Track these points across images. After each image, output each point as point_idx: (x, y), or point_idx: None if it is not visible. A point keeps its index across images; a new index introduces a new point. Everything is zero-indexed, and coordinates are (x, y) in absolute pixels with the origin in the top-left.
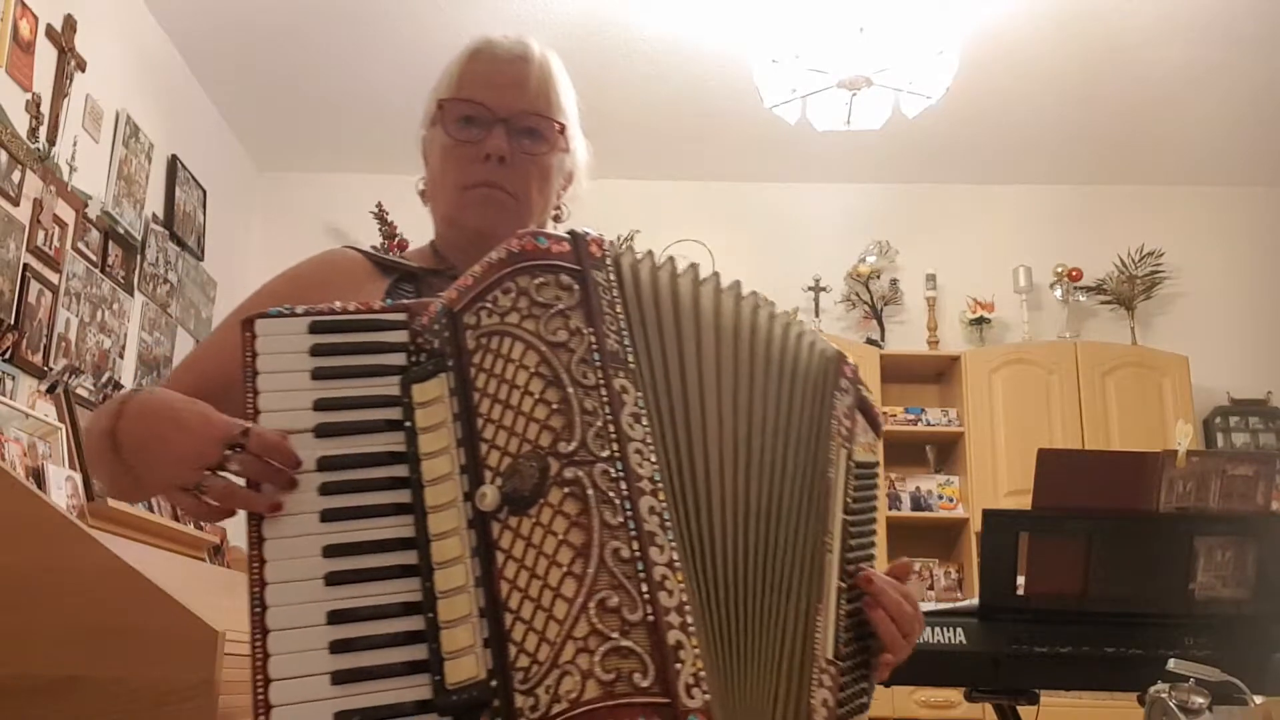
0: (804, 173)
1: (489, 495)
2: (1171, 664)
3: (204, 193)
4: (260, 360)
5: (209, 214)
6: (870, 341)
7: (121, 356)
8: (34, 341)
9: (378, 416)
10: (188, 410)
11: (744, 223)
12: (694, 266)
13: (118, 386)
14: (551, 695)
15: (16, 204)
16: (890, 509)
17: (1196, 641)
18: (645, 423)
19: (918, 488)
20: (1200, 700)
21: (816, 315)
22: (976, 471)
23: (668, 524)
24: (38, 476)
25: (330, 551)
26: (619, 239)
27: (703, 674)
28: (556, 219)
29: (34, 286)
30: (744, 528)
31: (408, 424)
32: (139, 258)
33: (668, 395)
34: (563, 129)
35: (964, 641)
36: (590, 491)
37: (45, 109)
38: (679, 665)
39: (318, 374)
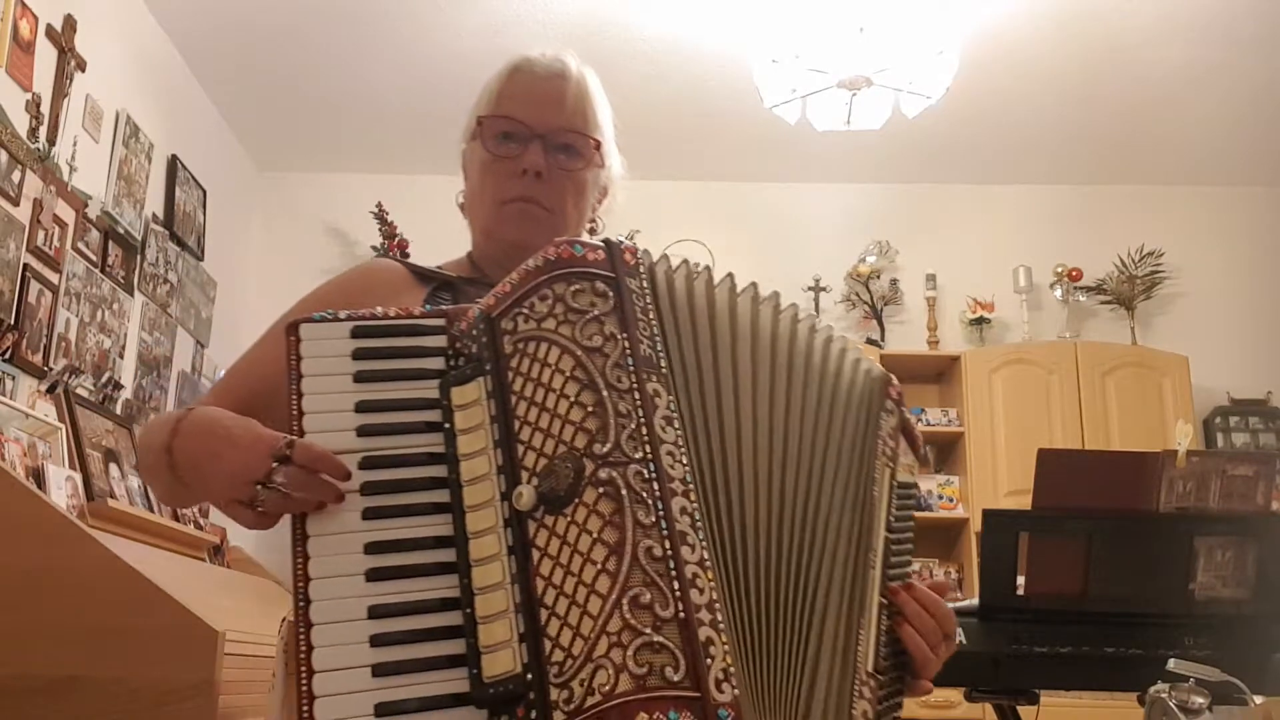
0: (804, 173)
1: (525, 495)
2: (1171, 664)
3: (204, 193)
4: (305, 364)
5: (209, 214)
6: (870, 341)
7: (121, 356)
8: (34, 341)
9: (418, 418)
10: (238, 427)
11: (744, 223)
12: (730, 276)
13: (118, 386)
14: (585, 688)
15: (16, 204)
16: None
17: (1196, 641)
18: (677, 426)
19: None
20: (1200, 700)
21: (816, 315)
22: (976, 471)
23: (698, 524)
24: (38, 476)
25: (371, 549)
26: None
27: (732, 670)
28: (592, 231)
29: (34, 286)
30: (776, 531)
31: (447, 426)
32: (139, 258)
33: (700, 400)
34: (598, 145)
35: (964, 641)
36: (624, 491)
37: (45, 109)
38: (709, 660)
39: (360, 377)
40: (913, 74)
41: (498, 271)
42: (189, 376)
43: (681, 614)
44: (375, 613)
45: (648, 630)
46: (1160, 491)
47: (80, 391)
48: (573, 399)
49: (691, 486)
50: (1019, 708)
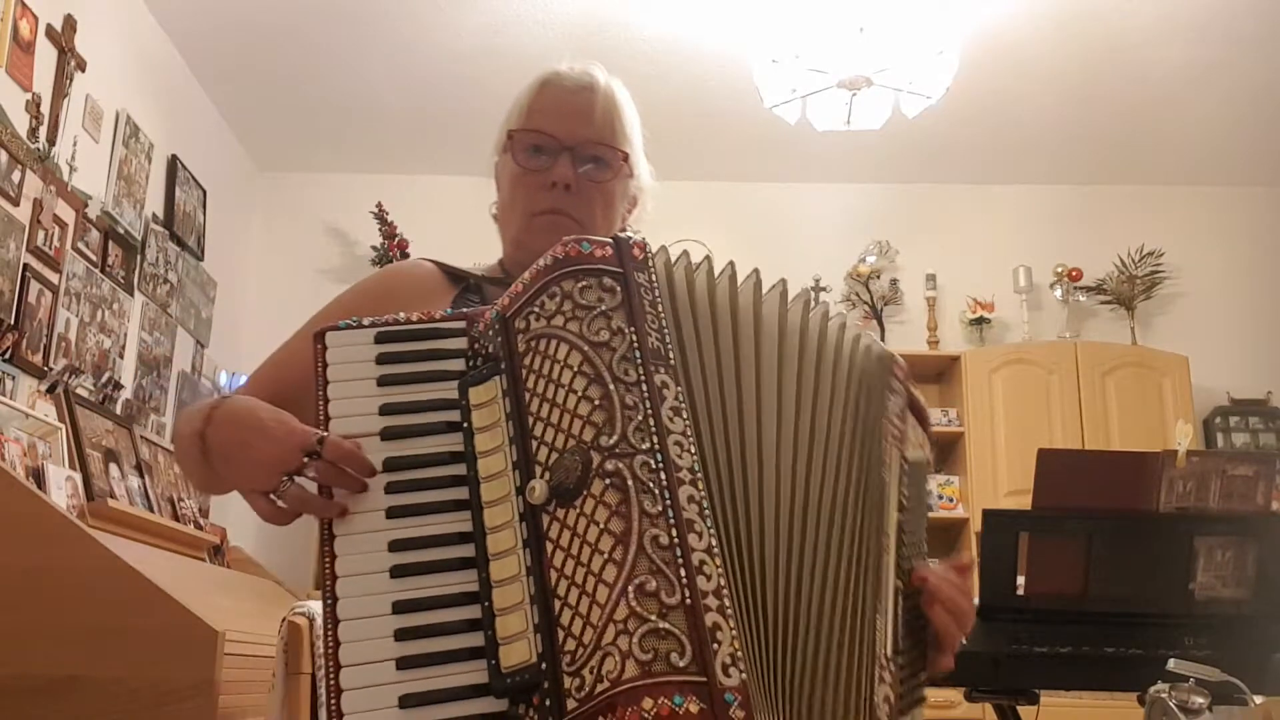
0: (804, 173)
1: (538, 489)
2: (1171, 664)
3: (204, 193)
4: (330, 370)
5: (209, 214)
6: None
7: (121, 356)
8: (34, 341)
9: (439, 419)
10: (272, 419)
11: (744, 223)
12: (730, 265)
13: (118, 386)
14: (595, 675)
15: (16, 204)
16: None
17: (1196, 641)
18: (685, 416)
19: None
20: (1200, 700)
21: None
22: (976, 471)
23: (706, 512)
24: (38, 476)
25: (395, 546)
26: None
27: (739, 655)
28: None
29: (34, 286)
30: (786, 518)
31: (465, 425)
32: (139, 258)
33: (704, 390)
34: (626, 157)
35: (964, 641)
36: (630, 482)
37: (45, 109)
38: (716, 646)
39: (383, 381)
40: (913, 74)
41: None
42: (189, 376)
43: (688, 600)
44: (399, 608)
45: (653, 617)
46: (1160, 491)
47: (80, 391)
48: (580, 393)
49: (699, 476)
50: (1019, 708)
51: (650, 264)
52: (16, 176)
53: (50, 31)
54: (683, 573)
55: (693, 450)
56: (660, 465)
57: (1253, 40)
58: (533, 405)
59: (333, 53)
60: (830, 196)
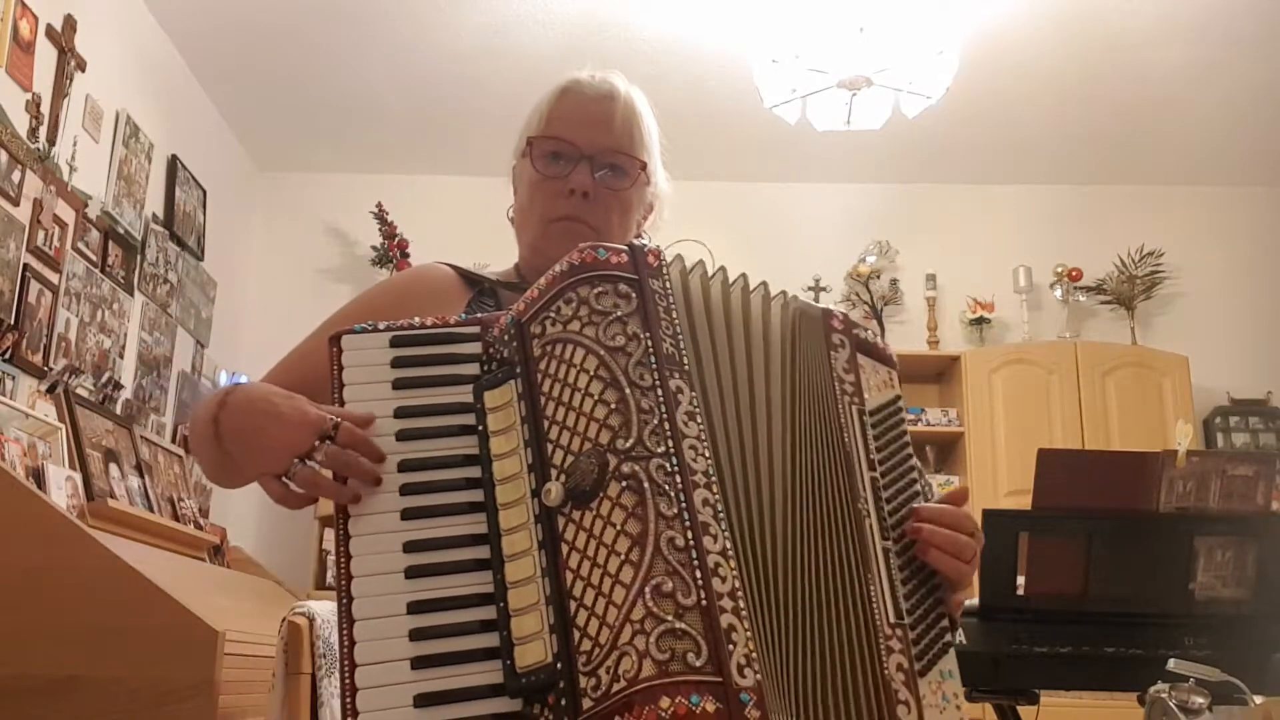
0: (804, 173)
1: (554, 491)
2: (1171, 664)
3: (204, 193)
4: (346, 373)
5: (209, 214)
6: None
7: (121, 356)
8: (34, 341)
9: (453, 422)
10: (286, 403)
11: (744, 223)
12: (743, 276)
13: (118, 386)
14: (611, 675)
15: (16, 204)
16: None
17: (1196, 641)
18: (699, 421)
19: None
20: (1200, 700)
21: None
22: (976, 471)
23: (721, 515)
24: (38, 476)
25: (410, 547)
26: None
27: (754, 655)
28: None
29: (34, 286)
30: (792, 514)
31: (480, 428)
32: (139, 258)
33: (718, 395)
34: (644, 166)
35: (964, 641)
36: (646, 485)
37: (45, 109)
38: (731, 646)
39: (398, 384)
40: (913, 74)
41: None
42: (189, 376)
43: (704, 602)
44: (414, 608)
45: (670, 618)
46: (1160, 491)
47: (80, 391)
48: (597, 397)
49: (714, 479)
50: (1019, 708)
51: (665, 271)
52: (16, 176)
53: (50, 31)
54: (698, 574)
55: (707, 454)
56: (675, 468)
57: (1253, 40)
58: (548, 409)
59: (333, 53)
60: (830, 196)
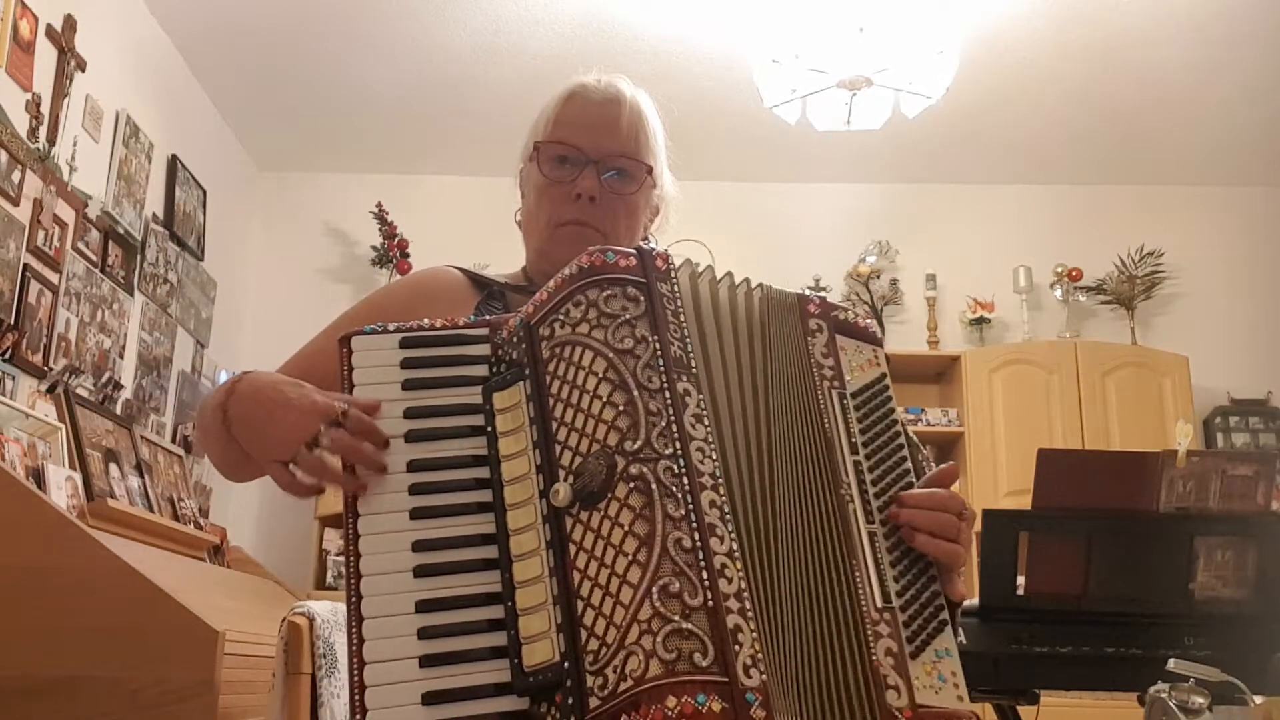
0: (804, 173)
1: (562, 492)
2: (1171, 664)
3: (204, 193)
4: (356, 373)
5: (209, 214)
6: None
7: (121, 356)
8: (34, 341)
9: (462, 423)
10: (294, 390)
11: (744, 223)
12: (746, 281)
13: (118, 386)
14: (618, 674)
15: (16, 204)
16: None
17: (1196, 641)
18: (707, 423)
19: None
20: (1200, 700)
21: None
22: (976, 471)
23: (727, 516)
24: (38, 476)
25: (419, 546)
26: None
27: (760, 656)
28: None
29: (34, 286)
30: (793, 512)
31: (489, 429)
32: (139, 258)
33: (725, 397)
34: (650, 169)
35: (964, 641)
36: (654, 486)
37: (45, 109)
38: (738, 647)
39: (408, 385)
40: (913, 74)
41: None
42: (189, 376)
43: (710, 602)
44: (423, 607)
45: (677, 618)
46: (1160, 491)
47: (80, 391)
48: (605, 399)
49: (721, 480)
50: (1019, 708)
51: (673, 275)
52: (16, 176)
53: (50, 31)
54: (705, 575)
55: (714, 456)
56: (683, 470)
57: (1253, 40)
58: (557, 410)
59: (333, 53)
60: (830, 196)
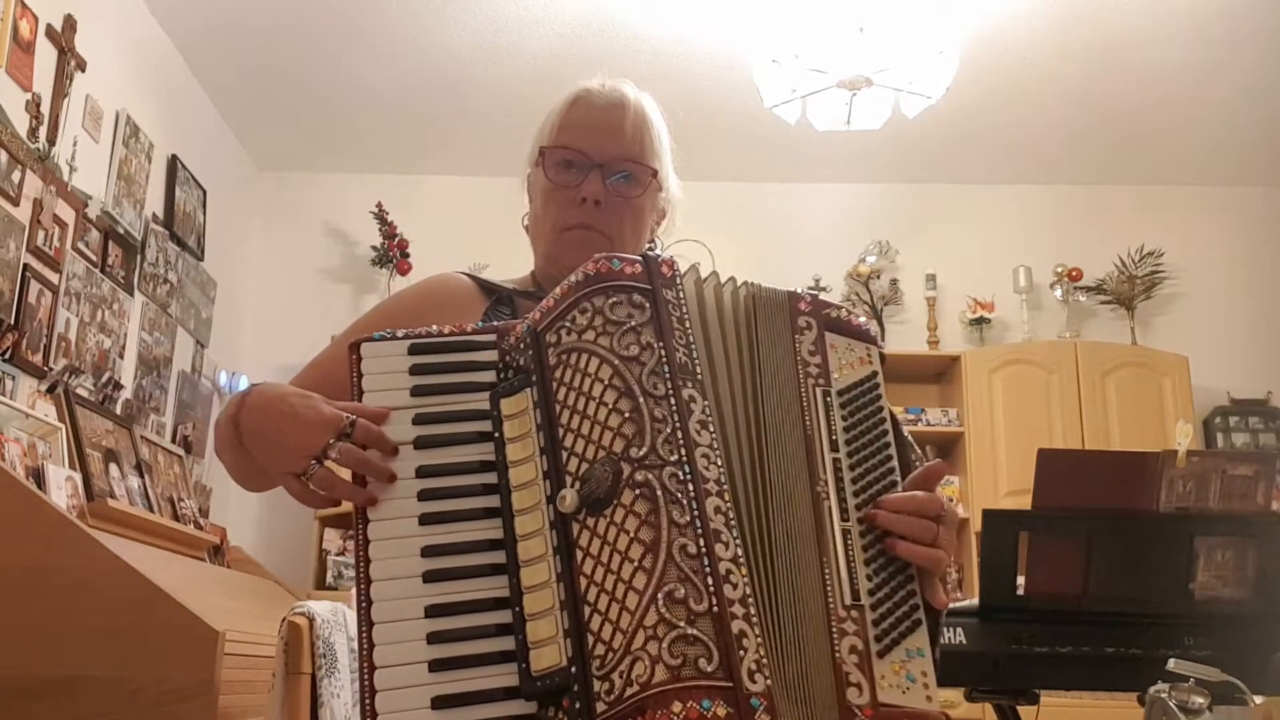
0: (804, 173)
1: (569, 498)
2: (1171, 664)
3: (204, 193)
4: (366, 380)
5: (209, 214)
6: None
7: (121, 356)
8: (34, 341)
9: (470, 429)
10: (302, 402)
11: (744, 223)
12: (733, 279)
13: (118, 386)
14: (624, 680)
15: (16, 204)
16: None
17: (1196, 641)
18: (712, 430)
19: None
20: (1200, 700)
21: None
22: (976, 471)
23: (732, 523)
24: (38, 476)
25: (428, 552)
26: None
27: (764, 661)
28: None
29: (34, 286)
30: (783, 513)
31: (497, 435)
32: (139, 258)
33: (730, 404)
34: (655, 173)
35: (964, 641)
36: (659, 492)
37: (45, 109)
38: (742, 652)
39: (417, 391)
40: (913, 74)
41: None
42: (189, 376)
43: (715, 608)
44: (432, 612)
45: (682, 623)
46: (1160, 491)
47: (80, 391)
48: (611, 406)
49: (726, 487)
50: (1019, 708)
51: (679, 282)
52: (16, 176)
53: (50, 31)
54: (710, 581)
55: (719, 462)
56: (688, 477)
57: (1253, 40)
58: (563, 416)
59: (332, 53)
60: (830, 196)
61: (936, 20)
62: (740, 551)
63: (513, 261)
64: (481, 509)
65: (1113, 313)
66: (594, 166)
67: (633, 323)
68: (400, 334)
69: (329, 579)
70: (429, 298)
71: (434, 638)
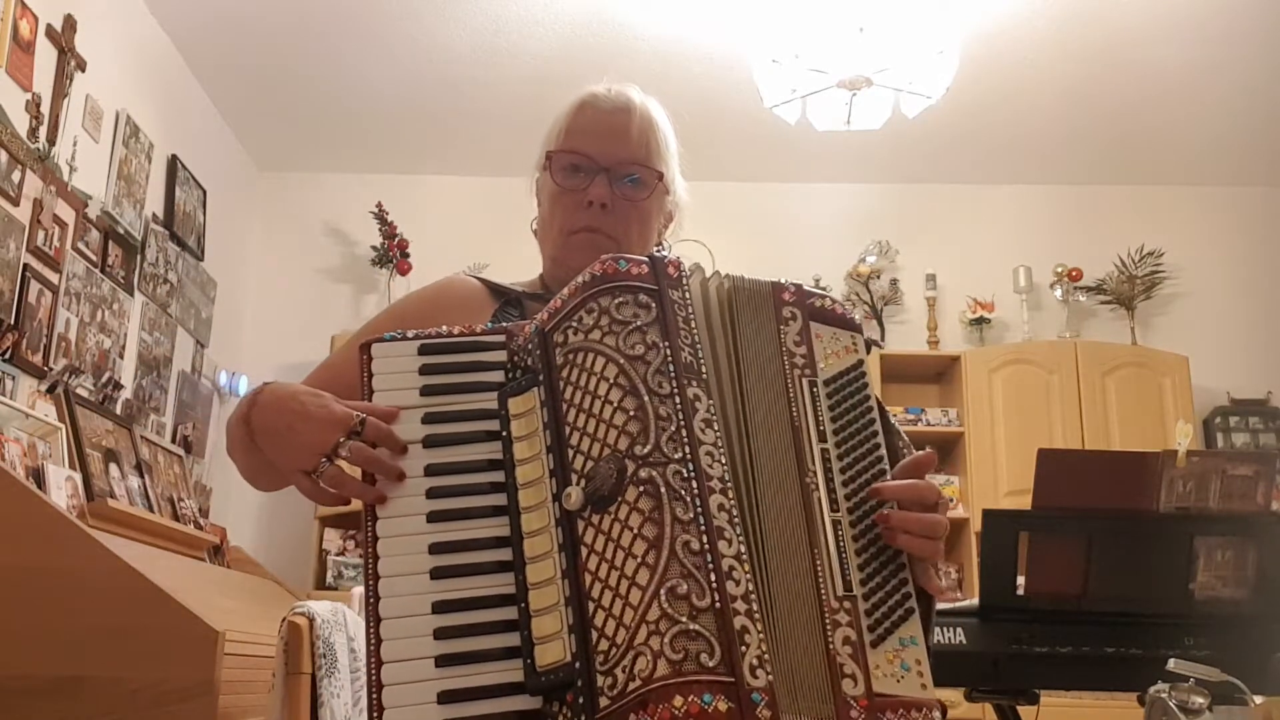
0: (804, 173)
1: (574, 495)
2: (1171, 664)
3: (204, 193)
4: (376, 380)
5: (209, 214)
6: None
7: (121, 356)
8: (34, 341)
9: (479, 428)
10: (312, 401)
11: (744, 223)
12: (717, 273)
13: (118, 386)
14: (627, 674)
15: (16, 204)
16: None
17: (1196, 641)
18: (716, 428)
19: None
20: (1200, 700)
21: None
22: (976, 471)
23: (735, 520)
24: (38, 476)
25: (436, 549)
26: None
27: (766, 656)
28: None
29: (34, 286)
30: (780, 509)
31: (504, 434)
32: (139, 258)
33: (734, 403)
34: (661, 176)
35: (964, 641)
36: (663, 490)
37: (45, 109)
38: (744, 648)
39: (426, 391)
40: (913, 74)
41: None
42: (189, 376)
43: (717, 604)
44: (439, 608)
45: (684, 619)
46: (1160, 491)
47: (80, 391)
48: (616, 404)
49: (729, 484)
50: (1019, 708)
51: (685, 282)
52: (16, 176)
53: (50, 31)
54: (713, 577)
55: (723, 460)
56: (692, 474)
57: (1252, 39)
58: (569, 415)
59: (332, 53)
60: (830, 196)
61: (936, 20)
62: (744, 548)
63: (513, 261)
64: (489, 507)
65: (1113, 313)
66: (600, 170)
67: (639, 322)
68: (410, 334)
69: (329, 579)
70: (439, 300)
71: (441, 633)
